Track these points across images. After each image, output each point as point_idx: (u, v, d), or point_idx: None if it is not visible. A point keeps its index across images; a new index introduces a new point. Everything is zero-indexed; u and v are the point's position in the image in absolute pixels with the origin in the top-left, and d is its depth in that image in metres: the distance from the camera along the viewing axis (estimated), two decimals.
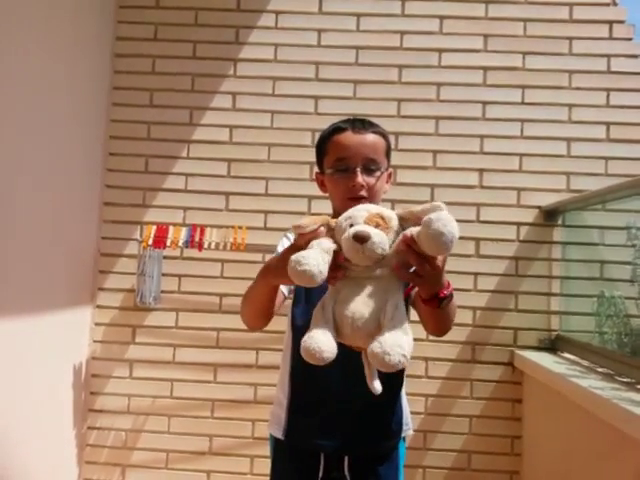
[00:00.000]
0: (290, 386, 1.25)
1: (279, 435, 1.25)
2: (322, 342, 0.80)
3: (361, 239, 0.81)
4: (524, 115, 2.12)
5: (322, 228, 0.88)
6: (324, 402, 1.20)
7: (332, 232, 0.89)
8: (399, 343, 0.76)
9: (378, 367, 0.77)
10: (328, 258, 0.82)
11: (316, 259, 0.80)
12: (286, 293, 1.24)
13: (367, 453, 1.22)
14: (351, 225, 0.85)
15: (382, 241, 0.82)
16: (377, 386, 0.89)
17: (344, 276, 0.86)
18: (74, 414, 2.02)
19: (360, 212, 0.87)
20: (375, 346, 0.76)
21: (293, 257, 0.80)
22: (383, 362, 0.75)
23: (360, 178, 1.13)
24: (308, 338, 0.81)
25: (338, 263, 0.85)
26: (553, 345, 2.04)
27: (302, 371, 1.22)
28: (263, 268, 1.06)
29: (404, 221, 0.87)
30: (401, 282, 0.87)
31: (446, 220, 0.75)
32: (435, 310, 0.97)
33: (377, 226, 0.84)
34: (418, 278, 0.85)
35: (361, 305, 0.82)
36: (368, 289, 0.84)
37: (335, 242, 0.87)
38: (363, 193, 1.13)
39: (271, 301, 1.12)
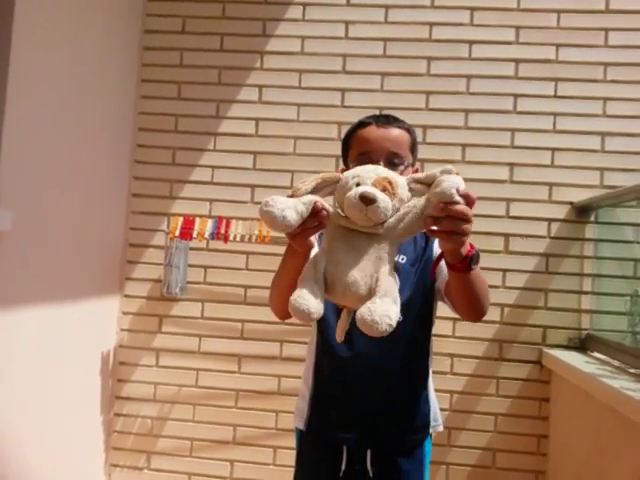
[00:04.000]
0: (314, 380, 1.26)
1: (302, 427, 1.26)
2: (312, 303, 0.81)
3: (367, 200, 0.81)
4: (557, 108, 2.06)
5: (323, 210, 0.87)
6: (346, 396, 1.21)
7: (334, 187, 0.89)
8: (388, 313, 0.78)
9: (365, 332, 0.79)
10: (303, 209, 0.84)
11: (285, 205, 0.83)
12: None
13: (389, 447, 1.22)
14: (357, 184, 0.85)
15: (387, 207, 0.82)
16: (340, 338, 0.95)
17: (322, 227, 0.88)
18: (101, 401, 2.06)
19: (369, 173, 0.86)
20: (365, 313, 0.78)
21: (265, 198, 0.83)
22: (371, 329, 0.77)
23: None
24: (298, 297, 0.82)
25: (317, 213, 0.85)
26: (583, 344, 1.99)
27: (326, 366, 1.24)
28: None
29: (417, 183, 0.86)
30: (394, 251, 0.87)
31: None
32: (467, 278, 0.97)
33: (384, 190, 0.83)
34: (453, 236, 0.84)
35: (356, 270, 0.83)
36: (363, 255, 0.85)
37: (334, 197, 0.88)
38: None
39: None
